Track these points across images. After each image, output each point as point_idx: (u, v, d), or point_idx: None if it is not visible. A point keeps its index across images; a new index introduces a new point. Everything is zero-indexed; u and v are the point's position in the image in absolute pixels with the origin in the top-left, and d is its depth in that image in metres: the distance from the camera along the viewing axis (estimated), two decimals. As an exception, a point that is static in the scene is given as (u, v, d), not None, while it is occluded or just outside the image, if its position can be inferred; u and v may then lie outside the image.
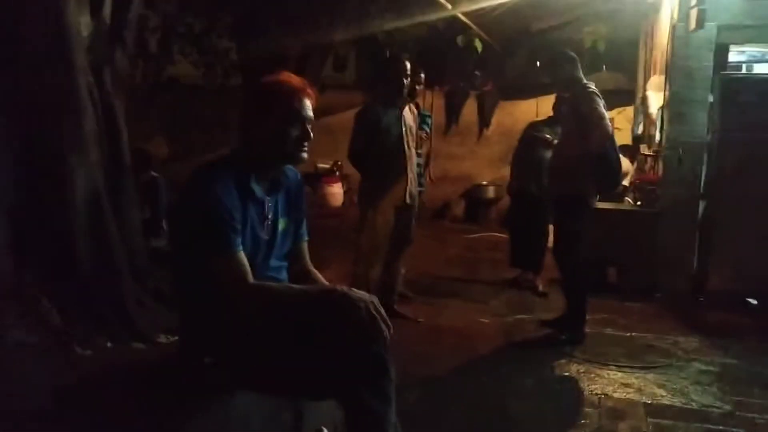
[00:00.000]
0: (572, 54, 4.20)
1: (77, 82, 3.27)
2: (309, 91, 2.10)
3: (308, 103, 2.10)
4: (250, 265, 2.04)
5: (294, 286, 2.15)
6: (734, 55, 5.97)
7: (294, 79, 2.10)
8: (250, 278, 2.01)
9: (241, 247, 2.02)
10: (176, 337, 2.42)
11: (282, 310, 2.02)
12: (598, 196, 4.26)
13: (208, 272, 2.03)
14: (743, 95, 4.90)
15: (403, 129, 4.29)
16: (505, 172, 6.39)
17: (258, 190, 2.13)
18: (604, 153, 3.91)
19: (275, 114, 2.07)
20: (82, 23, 3.39)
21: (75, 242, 3.08)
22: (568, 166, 4.01)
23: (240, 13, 7.19)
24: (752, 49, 6.26)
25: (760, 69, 6.61)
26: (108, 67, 3.62)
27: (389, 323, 1.99)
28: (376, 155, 4.25)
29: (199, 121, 9.92)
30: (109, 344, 2.83)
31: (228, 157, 2.15)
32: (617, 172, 4.07)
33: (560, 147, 4.33)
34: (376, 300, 2.00)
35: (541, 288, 5.35)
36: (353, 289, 2.03)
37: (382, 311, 1.97)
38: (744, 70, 6.52)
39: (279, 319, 2.01)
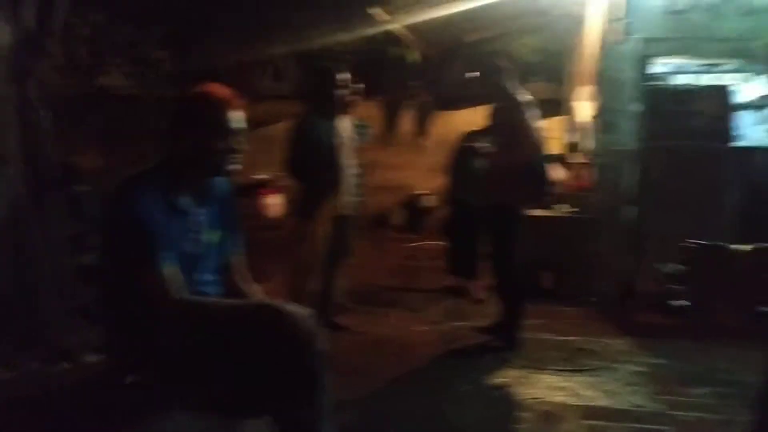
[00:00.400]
0: (505, 64, 4.28)
1: (-3, 94, 3.14)
2: (237, 102, 2.07)
3: (236, 116, 2.07)
4: (180, 280, 1.99)
5: (224, 300, 2.11)
6: (658, 67, 6.20)
7: (221, 91, 2.07)
8: (179, 293, 1.96)
9: (168, 262, 1.97)
10: (103, 356, 2.34)
11: (213, 325, 1.97)
12: (529, 205, 4.35)
13: (135, 288, 1.97)
14: (667, 105, 5.10)
15: (340, 140, 4.28)
16: (443, 181, 6.46)
17: (185, 202, 2.09)
18: (533, 163, 4.00)
19: (201, 127, 2.03)
20: (2, 33, 3.26)
21: (-5, 259, 2.95)
22: (500, 175, 4.08)
23: (173, 24, 7.07)
24: (675, 61, 6.51)
25: (682, 80, 6.89)
26: (31, 78, 3.49)
27: (324, 336, 1.97)
28: (313, 166, 4.22)
29: (135, 132, 9.66)
30: (33, 365, 2.71)
31: (154, 169, 2.10)
32: (545, 182, 4.16)
33: (494, 157, 4.40)
34: (309, 313, 1.99)
35: (477, 295, 5.41)
36: (286, 302, 2.01)
37: (316, 325, 1.95)
38: (668, 81, 6.78)
39: (210, 335, 1.96)
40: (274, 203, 9.12)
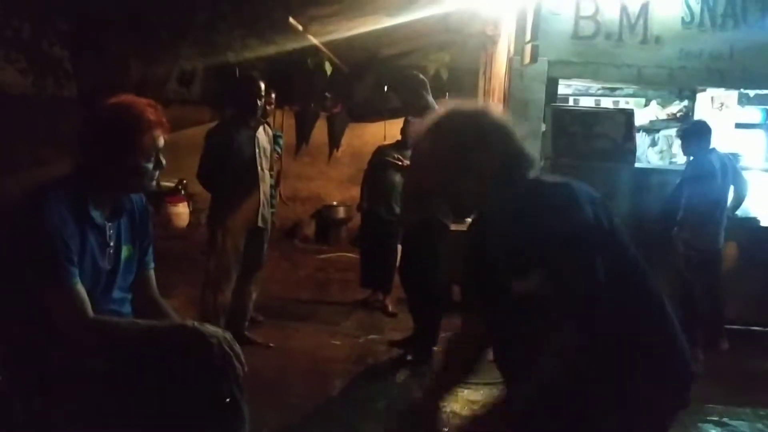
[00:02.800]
0: (423, 77, 4.34)
1: None
2: (164, 122, 2.00)
3: (161, 134, 2.00)
4: (90, 298, 1.88)
5: (140, 321, 2.01)
6: (563, 89, 6.50)
7: (148, 110, 1.97)
8: (90, 313, 1.85)
9: (78, 279, 1.86)
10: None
11: (127, 347, 1.88)
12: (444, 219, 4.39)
13: (39, 306, 1.85)
14: (572, 126, 5.33)
15: (257, 150, 4.21)
16: (355, 192, 6.48)
17: (97, 215, 1.98)
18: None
19: (126, 147, 1.93)
20: None
21: None
22: (420, 190, 4.11)
23: (76, 21, 6.73)
24: (578, 83, 6.85)
25: (584, 102, 7.26)
26: None
27: (243, 360, 1.91)
28: (228, 176, 4.12)
29: (27, 134, 9.12)
30: None
31: (62, 180, 1.98)
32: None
33: (412, 171, 4.44)
34: (229, 335, 1.92)
35: (390, 308, 5.45)
36: (204, 323, 1.94)
37: (236, 347, 1.90)
38: (571, 102, 7.12)
39: (123, 357, 1.86)
40: (181, 212, 8.86)
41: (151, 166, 1.98)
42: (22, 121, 9.02)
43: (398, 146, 5.59)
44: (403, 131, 5.56)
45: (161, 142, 2.00)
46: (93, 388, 1.86)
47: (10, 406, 1.96)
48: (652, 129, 7.28)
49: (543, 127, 5.61)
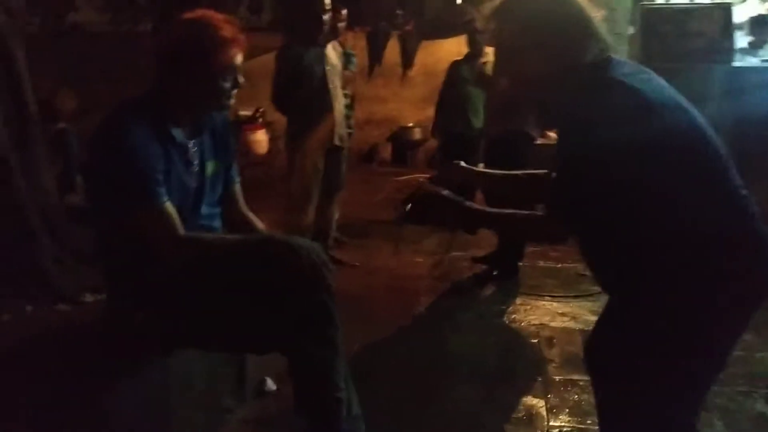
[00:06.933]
0: None
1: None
2: (242, 39, 1.94)
3: (240, 52, 1.95)
4: (180, 216, 1.90)
5: (229, 236, 2.04)
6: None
7: (225, 27, 1.92)
8: (181, 230, 1.88)
9: (167, 198, 1.87)
10: (103, 296, 2.27)
11: (218, 261, 1.90)
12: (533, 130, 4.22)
13: (133, 227, 1.88)
14: (663, 26, 4.98)
15: (327, 67, 4.13)
16: (431, 113, 6.33)
17: (179, 134, 1.97)
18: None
19: (207, 67, 1.89)
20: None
21: (-20, 203, 2.84)
22: (507, 100, 3.94)
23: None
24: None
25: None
26: (1, 14, 3.28)
27: (332, 269, 1.91)
28: (301, 96, 4.07)
29: (108, 71, 9.35)
30: (29, 308, 2.64)
31: (141, 100, 1.97)
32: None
33: (495, 82, 4.24)
34: (317, 246, 1.92)
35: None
36: (293, 236, 1.94)
37: (324, 257, 1.90)
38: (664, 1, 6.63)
39: (215, 271, 1.89)
40: (259, 140, 8.96)
41: (228, 85, 1.95)
42: (102, 58, 9.26)
43: (468, 59, 5.39)
44: (468, 42, 5.34)
45: (239, 59, 1.96)
46: (189, 303, 1.91)
47: (114, 325, 2.05)
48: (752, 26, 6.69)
49: (631, 30, 5.27)
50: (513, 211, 1.63)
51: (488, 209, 1.70)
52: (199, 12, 1.97)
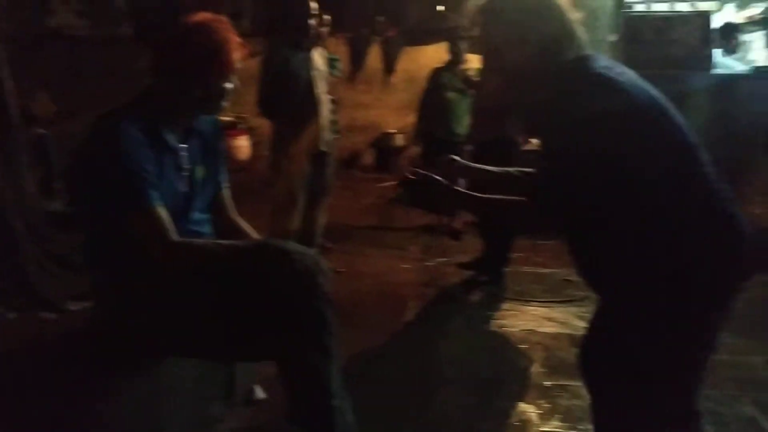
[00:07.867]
0: None
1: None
2: (238, 38, 1.94)
3: (239, 53, 1.95)
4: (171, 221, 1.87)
5: (222, 241, 2.00)
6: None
7: (230, 29, 1.93)
8: (174, 235, 1.85)
9: (159, 202, 1.84)
10: (87, 304, 2.22)
11: (211, 267, 1.87)
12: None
13: (123, 232, 1.85)
14: (644, 33, 5.03)
15: (313, 72, 4.11)
16: (412, 119, 6.34)
17: (171, 138, 1.95)
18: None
19: (214, 67, 1.88)
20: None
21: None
22: (493, 106, 3.95)
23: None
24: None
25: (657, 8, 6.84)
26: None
27: (328, 275, 1.89)
28: (286, 101, 4.04)
29: (86, 75, 9.23)
30: (11, 315, 2.58)
31: (132, 105, 1.94)
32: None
33: (483, 87, 4.26)
34: (313, 251, 1.90)
35: (457, 229, 5.38)
36: (289, 242, 1.92)
37: (322, 264, 1.87)
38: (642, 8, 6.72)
39: (208, 277, 1.86)
40: (242, 145, 8.92)
41: (230, 86, 1.95)
42: (81, 62, 9.13)
43: (449, 67, 5.45)
44: (450, 50, 5.42)
45: (238, 62, 1.96)
46: (179, 311, 1.87)
47: (101, 333, 2.00)
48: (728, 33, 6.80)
49: (613, 37, 5.32)
50: (503, 197, 1.69)
51: (478, 194, 1.71)
52: (204, 15, 1.97)
